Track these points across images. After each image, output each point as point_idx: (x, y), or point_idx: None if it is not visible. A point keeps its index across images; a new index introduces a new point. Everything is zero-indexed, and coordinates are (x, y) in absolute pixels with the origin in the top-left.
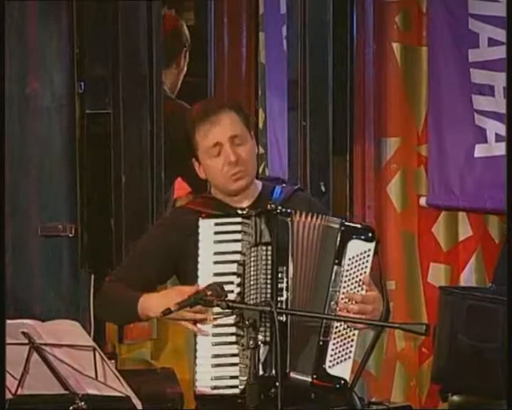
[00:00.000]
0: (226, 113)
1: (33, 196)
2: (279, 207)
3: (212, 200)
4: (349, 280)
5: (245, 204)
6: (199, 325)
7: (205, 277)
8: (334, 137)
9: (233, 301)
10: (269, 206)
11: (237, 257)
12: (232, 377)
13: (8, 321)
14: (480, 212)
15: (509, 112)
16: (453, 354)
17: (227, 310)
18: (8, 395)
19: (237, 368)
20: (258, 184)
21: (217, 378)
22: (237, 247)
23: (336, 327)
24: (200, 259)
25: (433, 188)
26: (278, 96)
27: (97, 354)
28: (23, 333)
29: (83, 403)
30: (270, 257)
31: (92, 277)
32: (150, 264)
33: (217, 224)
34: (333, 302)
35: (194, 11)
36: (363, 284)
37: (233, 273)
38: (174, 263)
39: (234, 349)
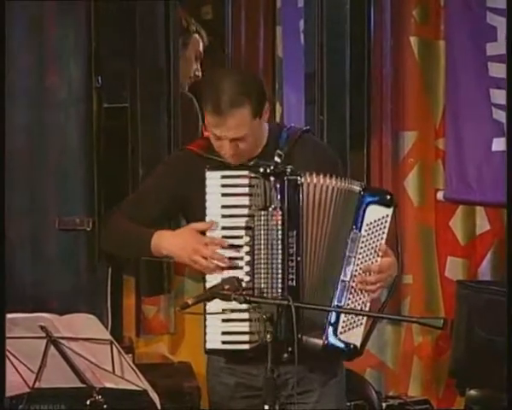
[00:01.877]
0: (236, 111)
1: (51, 190)
2: (288, 168)
3: None
4: (365, 246)
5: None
6: (211, 266)
7: (213, 231)
8: (352, 131)
9: (250, 295)
10: (276, 157)
11: (245, 211)
12: (242, 333)
13: (26, 315)
14: (498, 206)
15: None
16: (470, 349)
17: (244, 305)
18: (26, 389)
19: (247, 324)
20: (265, 130)
21: (226, 333)
22: (245, 201)
23: (350, 293)
24: (207, 211)
25: (451, 182)
26: (295, 89)
27: (114, 348)
28: (41, 327)
29: (100, 397)
30: (280, 222)
31: (109, 270)
32: (155, 203)
33: (223, 176)
34: (349, 268)
35: (211, 5)
36: (380, 250)
37: (242, 228)
38: (179, 205)
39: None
